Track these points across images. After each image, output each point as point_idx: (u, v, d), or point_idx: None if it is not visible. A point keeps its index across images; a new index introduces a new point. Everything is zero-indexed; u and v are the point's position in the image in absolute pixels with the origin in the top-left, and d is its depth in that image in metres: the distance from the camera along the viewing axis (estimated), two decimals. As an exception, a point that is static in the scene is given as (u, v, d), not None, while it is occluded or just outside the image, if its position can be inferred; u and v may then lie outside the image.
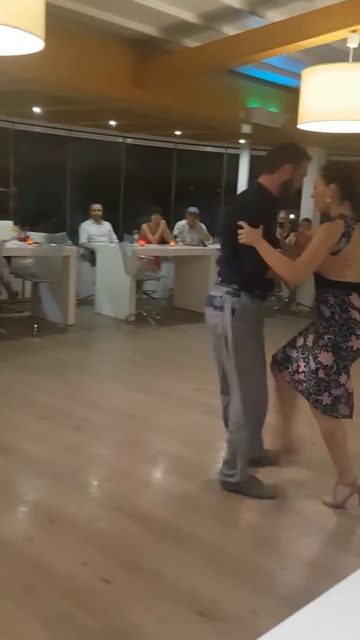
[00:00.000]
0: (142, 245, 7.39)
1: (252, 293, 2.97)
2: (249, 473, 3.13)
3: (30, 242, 6.77)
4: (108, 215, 8.86)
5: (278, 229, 3.39)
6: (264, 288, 3.07)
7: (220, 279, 3.07)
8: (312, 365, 2.92)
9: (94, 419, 4.12)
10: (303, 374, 2.99)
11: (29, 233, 7.00)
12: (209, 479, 3.28)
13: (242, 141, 9.99)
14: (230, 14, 5.04)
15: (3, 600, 2.21)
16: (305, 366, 2.98)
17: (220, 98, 6.96)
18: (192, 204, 9.31)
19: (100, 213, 8.53)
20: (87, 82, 5.70)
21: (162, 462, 3.63)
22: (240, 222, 2.84)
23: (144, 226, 8.42)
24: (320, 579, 2.44)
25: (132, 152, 11.00)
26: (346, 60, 4.07)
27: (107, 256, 7.55)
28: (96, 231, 8.48)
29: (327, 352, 2.86)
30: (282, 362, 3.15)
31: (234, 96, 7.16)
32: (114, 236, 8.62)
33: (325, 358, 2.87)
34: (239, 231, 2.85)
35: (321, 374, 2.88)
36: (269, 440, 3.40)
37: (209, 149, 11.34)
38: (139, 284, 7.35)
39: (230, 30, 5.32)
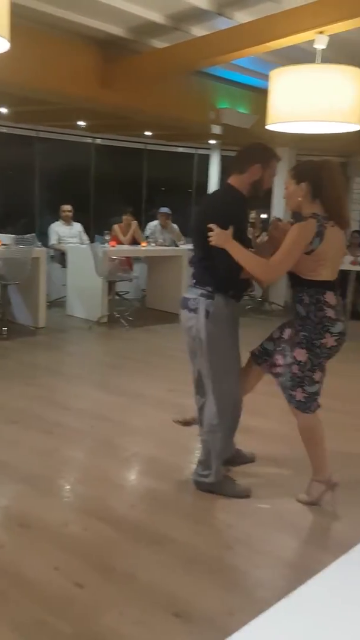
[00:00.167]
0: (113, 246, 7.36)
1: (227, 294, 2.97)
2: (222, 473, 3.13)
3: (-1, 244, 6.68)
4: (79, 216, 8.80)
5: (250, 229, 3.40)
6: (238, 289, 3.08)
7: (194, 280, 3.06)
8: (288, 359, 2.95)
9: (65, 421, 4.08)
10: (281, 367, 3.02)
11: (-4, 235, 6.92)
12: (183, 479, 3.27)
13: (212, 142, 10.02)
14: (198, 15, 5.04)
15: (-26, 609, 2.17)
16: (282, 359, 3.01)
17: (189, 99, 6.96)
18: (164, 204, 9.30)
19: (70, 214, 8.47)
20: (53, 82, 5.65)
21: (136, 464, 3.61)
22: (210, 225, 2.84)
23: (115, 227, 8.38)
24: (296, 577, 2.44)
25: (102, 152, 10.93)
26: (314, 61, 4.11)
27: (78, 257, 7.49)
28: (66, 232, 8.42)
29: (302, 348, 2.90)
30: (260, 355, 3.17)
31: (204, 97, 7.17)
32: (85, 237, 8.57)
33: (300, 354, 2.90)
34: (209, 233, 2.84)
35: (295, 369, 2.92)
36: (239, 440, 3.41)
37: (179, 149, 11.34)
38: (110, 285, 7.31)
39: (198, 31, 5.33)
